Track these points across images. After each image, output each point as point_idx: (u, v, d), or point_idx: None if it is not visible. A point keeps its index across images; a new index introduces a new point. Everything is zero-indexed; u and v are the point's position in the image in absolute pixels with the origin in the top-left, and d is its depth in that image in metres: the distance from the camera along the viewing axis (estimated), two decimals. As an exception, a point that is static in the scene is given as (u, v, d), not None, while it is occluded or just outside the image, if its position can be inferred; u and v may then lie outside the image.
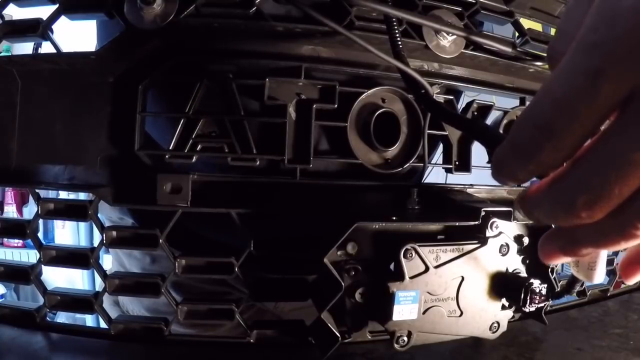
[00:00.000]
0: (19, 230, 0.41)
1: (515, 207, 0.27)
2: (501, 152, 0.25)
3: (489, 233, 0.39)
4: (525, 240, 0.41)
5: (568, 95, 0.21)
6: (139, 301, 0.65)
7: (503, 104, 0.51)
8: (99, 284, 0.48)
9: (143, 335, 0.42)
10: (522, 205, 0.26)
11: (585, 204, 0.22)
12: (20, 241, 2.22)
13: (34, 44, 1.40)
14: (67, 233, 2.28)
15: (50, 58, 0.41)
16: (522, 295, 0.39)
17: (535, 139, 0.22)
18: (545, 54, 0.50)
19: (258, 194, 0.43)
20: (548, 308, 0.48)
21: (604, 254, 0.29)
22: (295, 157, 0.42)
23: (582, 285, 0.52)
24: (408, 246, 0.36)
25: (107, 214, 0.62)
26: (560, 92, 0.21)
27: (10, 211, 2.31)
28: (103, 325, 0.42)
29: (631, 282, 0.28)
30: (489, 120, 0.50)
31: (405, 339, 0.37)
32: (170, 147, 0.40)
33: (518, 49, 0.49)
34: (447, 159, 0.48)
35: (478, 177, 0.48)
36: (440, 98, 0.46)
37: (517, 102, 0.54)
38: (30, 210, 2.25)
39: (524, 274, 0.41)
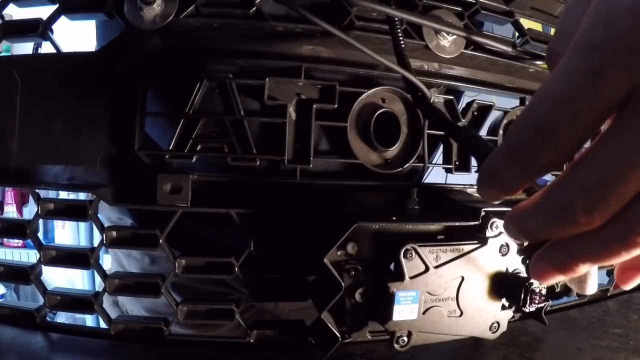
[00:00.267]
0: (19, 230, 0.41)
1: (505, 226, 0.26)
2: (495, 158, 0.24)
3: (489, 233, 0.39)
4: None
5: (567, 96, 0.21)
6: (138, 301, 0.65)
7: (503, 104, 0.51)
8: (99, 284, 0.48)
9: (143, 335, 0.42)
10: (514, 220, 0.25)
11: (584, 208, 0.21)
12: (20, 241, 2.22)
13: (34, 44, 1.40)
14: (67, 233, 2.28)
15: (50, 58, 0.41)
16: (522, 295, 0.39)
17: (534, 140, 0.22)
18: (545, 54, 0.50)
19: (258, 194, 0.43)
20: (548, 308, 0.48)
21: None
22: (295, 157, 0.42)
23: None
24: (408, 246, 0.36)
25: (107, 214, 0.62)
26: (559, 93, 0.21)
27: (10, 211, 2.31)
28: (103, 325, 0.42)
29: (628, 287, 0.27)
30: (489, 120, 0.50)
31: (405, 339, 0.37)
32: (170, 147, 0.40)
33: (518, 49, 0.49)
34: (447, 159, 0.48)
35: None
36: (441, 98, 0.46)
37: (517, 102, 0.54)
38: (30, 210, 2.25)
39: (524, 274, 0.41)
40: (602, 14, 0.20)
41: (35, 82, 0.40)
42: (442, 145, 0.50)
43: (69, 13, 0.40)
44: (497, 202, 0.27)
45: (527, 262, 0.41)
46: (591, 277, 0.28)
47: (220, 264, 0.41)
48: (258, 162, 0.41)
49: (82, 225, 2.14)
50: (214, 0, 0.40)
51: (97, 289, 0.42)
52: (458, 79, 0.48)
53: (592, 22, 0.20)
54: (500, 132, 0.49)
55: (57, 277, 1.83)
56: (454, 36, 0.45)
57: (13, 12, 0.49)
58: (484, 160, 0.25)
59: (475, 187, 0.47)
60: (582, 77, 0.20)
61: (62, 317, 1.45)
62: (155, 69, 0.40)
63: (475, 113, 0.48)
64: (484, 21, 0.54)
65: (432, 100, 0.41)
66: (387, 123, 0.45)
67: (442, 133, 0.46)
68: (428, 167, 0.48)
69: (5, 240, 2.29)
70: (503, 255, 0.40)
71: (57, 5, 0.40)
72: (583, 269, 0.24)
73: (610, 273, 0.58)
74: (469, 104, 0.48)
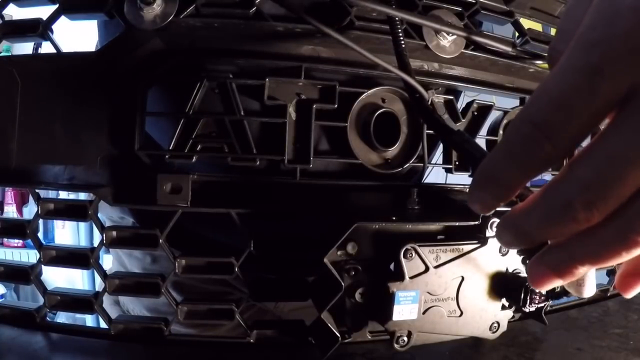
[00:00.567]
0: (19, 230, 0.41)
1: (499, 230, 0.25)
2: (493, 158, 0.24)
3: (489, 233, 0.39)
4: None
5: (566, 93, 0.21)
6: (139, 301, 0.66)
7: (503, 104, 0.51)
8: (99, 284, 0.48)
9: (143, 335, 0.42)
10: (509, 222, 0.24)
11: (583, 204, 0.21)
12: (20, 241, 2.22)
13: (34, 44, 1.40)
14: (67, 233, 2.28)
15: (50, 58, 0.41)
16: (522, 295, 0.39)
17: (533, 136, 0.22)
18: (545, 54, 0.50)
19: (258, 194, 0.43)
20: (548, 308, 0.48)
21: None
22: (295, 157, 0.42)
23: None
24: (408, 246, 0.36)
25: (108, 213, 0.62)
26: (558, 90, 0.21)
27: (10, 211, 2.31)
28: (103, 325, 0.42)
29: (629, 295, 0.26)
30: (489, 120, 0.50)
31: (405, 339, 0.37)
32: (170, 147, 0.40)
33: (518, 48, 0.49)
34: (447, 159, 0.48)
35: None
36: (440, 98, 0.46)
37: (517, 102, 0.54)
38: (30, 210, 2.25)
39: (524, 274, 0.41)
40: (603, 13, 0.20)
41: (35, 82, 0.40)
42: (442, 145, 0.50)
43: (69, 13, 0.40)
44: (488, 214, 0.26)
45: (527, 262, 0.41)
46: (589, 280, 0.28)
47: (220, 264, 0.41)
48: (258, 162, 0.41)
49: (82, 225, 2.15)
50: (214, 0, 0.40)
51: (97, 289, 0.42)
52: (458, 79, 0.48)
53: (592, 21, 0.21)
54: (500, 132, 0.49)
55: (57, 277, 1.84)
56: (454, 36, 0.45)
57: (13, 12, 0.49)
58: (478, 165, 0.24)
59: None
60: (581, 75, 0.20)
61: (62, 317, 1.45)
62: (155, 69, 0.40)
63: (475, 113, 0.48)
64: (483, 21, 0.54)
65: (430, 101, 0.41)
66: (387, 123, 0.45)
67: (442, 133, 0.46)
68: (428, 167, 0.48)
69: (5, 240, 2.29)
70: (503, 255, 0.40)
71: (57, 5, 0.40)
72: (582, 270, 0.23)
73: (610, 273, 0.58)
74: (469, 104, 0.48)
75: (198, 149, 0.40)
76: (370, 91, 0.44)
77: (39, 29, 0.40)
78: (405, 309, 0.36)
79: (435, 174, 0.57)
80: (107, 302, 0.43)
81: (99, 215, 0.41)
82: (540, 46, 0.50)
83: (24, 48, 1.60)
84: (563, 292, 0.41)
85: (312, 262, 0.38)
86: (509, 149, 0.23)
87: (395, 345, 0.37)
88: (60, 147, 0.40)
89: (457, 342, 0.41)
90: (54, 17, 0.40)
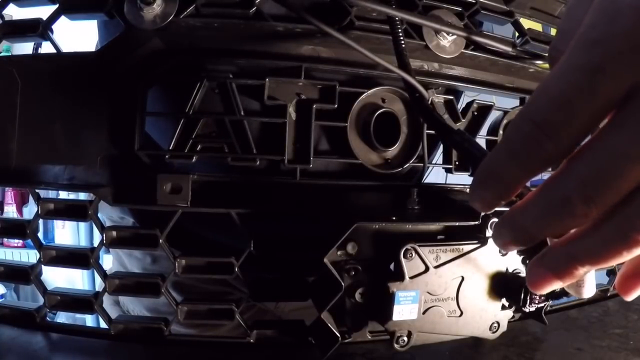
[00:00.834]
0: (19, 230, 0.41)
1: (497, 229, 0.25)
2: (492, 158, 0.24)
3: (489, 233, 0.39)
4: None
5: (566, 91, 0.21)
6: (139, 301, 0.66)
7: (503, 104, 0.51)
8: (99, 284, 0.48)
9: (143, 335, 0.42)
10: (508, 220, 0.24)
11: (582, 199, 0.21)
12: (20, 241, 2.22)
13: (34, 44, 1.41)
14: (67, 233, 2.28)
15: (50, 58, 0.41)
16: (522, 295, 0.39)
17: (534, 134, 0.22)
18: (545, 54, 0.50)
19: (258, 194, 0.43)
20: (548, 308, 0.48)
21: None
22: (295, 157, 0.42)
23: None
24: (408, 246, 0.36)
25: (108, 213, 0.62)
26: (559, 88, 0.21)
27: (10, 211, 2.31)
28: (103, 325, 0.42)
29: (630, 297, 0.26)
30: (489, 120, 0.50)
31: (405, 339, 0.37)
32: (170, 147, 0.40)
33: (518, 48, 0.49)
34: (447, 159, 0.48)
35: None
36: (440, 98, 0.46)
37: (517, 102, 0.54)
38: (30, 210, 2.25)
39: (524, 274, 0.41)
40: (603, 11, 0.20)
41: (35, 82, 0.40)
42: (442, 145, 0.50)
43: (69, 13, 0.40)
44: (488, 212, 0.26)
45: (527, 262, 0.41)
46: (588, 281, 0.27)
47: (221, 264, 0.41)
48: (258, 162, 0.41)
49: (82, 225, 2.15)
50: (214, 0, 0.40)
51: (97, 289, 0.42)
52: (458, 79, 0.48)
53: (593, 19, 0.21)
54: (500, 132, 0.49)
55: (57, 277, 1.84)
56: (454, 36, 0.45)
57: (13, 12, 0.49)
58: (478, 164, 0.24)
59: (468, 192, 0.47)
60: (582, 74, 0.20)
61: (62, 317, 1.45)
62: (155, 69, 0.40)
63: (475, 113, 0.48)
64: (483, 21, 0.54)
65: (430, 101, 0.41)
66: (387, 123, 0.45)
67: (442, 133, 0.46)
68: (428, 167, 0.48)
69: (5, 240, 2.29)
70: (503, 255, 0.40)
71: (57, 5, 0.40)
72: (582, 271, 0.23)
73: (610, 273, 0.58)
74: (469, 104, 0.48)
75: (198, 149, 0.40)
76: (370, 91, 0.44)
77: (39, 29, 0.40)
78: (405, 309, 0.36)
79: (435, 174, 0.57)
80: (107, 302, 0.43)
81: (99, 215, 0.41)
82: (540, 46, 0.50)
83: (24, 48, 1.60)
84: (563, 292, 0.41)
85: (312, 262, 0.38)
86: (510, 147, 0.23)
87: (395, 345, 0.37)
88: (60, 147, 0.40)
89: (457, 342, 0.41)
90: (54, 17, 0.40)
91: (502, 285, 0.40)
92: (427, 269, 0.37)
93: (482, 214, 0.39)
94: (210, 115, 0.41)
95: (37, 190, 0.41)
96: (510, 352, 0.42)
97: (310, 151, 0.41)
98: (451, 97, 0.47)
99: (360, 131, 0.44)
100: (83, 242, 2.27)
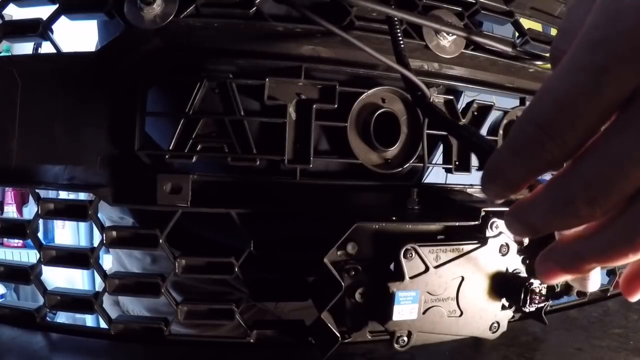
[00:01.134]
0: (19, 230, 0.41)
1: (507, 221, 0.25)
2: (498, 156, 0.24)
3: (489, 233, 0.39)
4: (526, 240, 0.41)
5: (570, 93, 0.21)
6: (139, 301, 0.66)
7: (503, 104, 0.51)
8: (99, 284, 0.48)
9: (143, 335, 0.42)
10: (517, 213, 0.24)
11: (585, 201, 0.21)
12: (20, 241, 2.22)
13: (34, 44, 1.41)
14: (67, 233, 2.28)
15: (50, 58, 0.41)
16: (522, 295, 0.39)
17: (537, 136, 0.22)
18: (545, 54, 0.50)
19: (258, 194, 0.43)
20: (548, 308, 0.48)
21: None
22: (295, 157, 0.42)
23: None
24: (408, 246, 0.36)
25: (108, 213, 0.62)
26: (562, 89, 0.21)
27: (10, 211, 2.31)
28: (103, 325, 0.42)
29: (634, 298, 0.26)
30: (489, 120, 0.50)
31: (405, 339, 0.37)
32: (170, 147, 0.40)
33: (518, 49, 0.49)
34: (447, 159, 0.48)
35: (478, 177, 0.48)
36: (440, 98, 0.46)
37: (517, 102, 0.54)
38: (30, 210, 2.25)
39: (524, 274, 0.41)
40: (606, 11, 0.20)
41: (35, 82, 0.40)
42: (442, 145, 0.50)
43: (69, 13, 0.40)
44: (500, 202, 0.26)
45: (527, 262, 0.41)
46: (594, 274, 0.28)
47: (221, 264, 0.41)
48: (258, 162, 0.41)
49: (82, 225, 2.14)
50: (214, 0, 0.40)
51: (97, 289, 0.42)
52: (458, 79, 0.48)
53: (596, 19, 0.20)
54: (500, 132, 0.49)
55: (57, 277, 1.84)
56: (454, 36, 0.45)
57: (13, 12, 0.50)
58: (488, 158, 0.25)
59: (479, 186, 0.47)
60: (585, 74, 0.20)
61: (62, 317, 1.45)
62: (155, 68, 0.40)
63: (475, 113, 0.48)
64: (483, 21, 0.54)
65: (431, 100, 0.41)
66: (387, 123, 0.45)
67: (442, 133, 0.46)
68: (428, 167, 0.48)
69: (5, 240, 2.29)
70: (503, 255, 0.40)
71: (57, 5, 0.40)
72: (589, 268, 0.24)
73: (610, 273, 0.58)
74: (469, 104, 0.48)
75: (198, 149, 0.40)
76: (370, 91, 0.44)
77: (39, 29, 0.40)
78: (405, 309, 0.36)
79: (435, 174, 0.57)
80: (107, 302, 0.43)
81: (99, 215, 0.41)
82: (540, 46, 0.50)
83: (24, 48, 1.60)
84: (563, 291, 0.41)
85: (312, 262, 0.38)
86: (514, 148, 0.23)
87: (395, 345, 0.37)
88: (60, 147, 0.40)
89: (457, 342, 0.41)
90: (54, 17, 0.40)
91: (502, 285, 0.40)
92: (427, 269, 0.37)
93: (482, 214, 0.39)
94: (210, 115, 0.41)
95: (37, 190, 0.41)
96: (510, 352, 0.42)
97: (310, 151, 0.41)
98: (451, 97, 0.47)
99: (360, 131, 0.44)
100: (83, 242, 2.27)
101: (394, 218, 0.38)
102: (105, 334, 0.41)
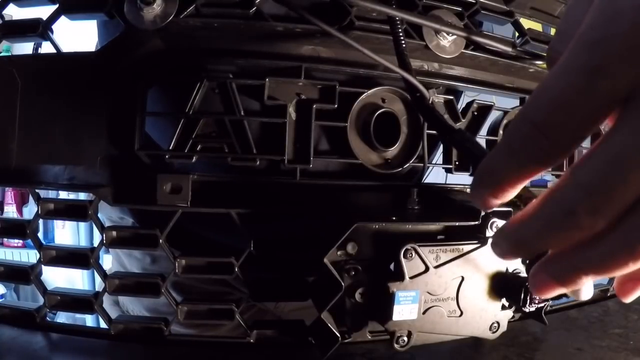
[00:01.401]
0: (19, 230, 0.41)
1: (495, 241, 0.25)
2: (493, 155, 0.24)
3: (489, 233, 0.39)
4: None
5: (565, 92, 0.21)
6: (139, 301, 0.66)
7: (503, 104, 0.51)
8: (99, 284, 0.48)
9: (143, 335, 0.42)
10: (509, 231, 0.24)
11: (587, 210, 0.20)
12: (20, 241, 2.22)
13: (34, 44, 1.40)
14: (67, 233, 2.28)
15: (50, 58, 0.41)
16: (522, 295, 0.39)
17: (532, 135, 0.21)
18: (545, 54, 0.50)
19: (258, 194, 0.43)
20: (548, 308, 0.48)
21: None
22: (295, 157, 0.42)
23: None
24: (408, 246, 0.36)
25: (108, 213, 0.62)
26: (558, 89, 0.21)
27: (10, 211, 2.31)
28: (103, 325, 0.42)
29: (628, 300, 0.25)
30: (489, 120, 0.50)
31: (405, 339, 0.37)
32: (170, 147, 0.40)
33: (518, 49, 0.49)
34: (447, 159, 0.48)
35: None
36: (440, 98, 0.46)
37: (517, 102, 0.54)
38: (30, 210, 2.25)
39: (524, 274, 0.41)
40: (603, 12, 0.20)
41: (35, 82, 0.40)
42: (442, 145, 0.50)
43: (69, 13, 0.40)
44: (488, 210, 0.26)
45: (527, 262, 0.41)
46: (587, 284, 0.27)
47: (221, 264, 0.41)
48: (258, 162, 0.41)
49: (82, 225, 2.15)
50: (214, 0, 0.40)
51: (97, 289, 0.42)
52: (458, 79, 0.48)
53: (593, 20, 0.20)
54: (500, 132, 0.49)
55: (57, 277, 1.84)
56: (454, 36, 0.45)
57: (13, 12, 0.50)
58: (479, 163, 0.24)
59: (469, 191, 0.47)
60: (581, 74, 0.20)
61: (62, 317, 1.45)
62: (155, 69, 0.40)
63: (475, 113, 0.48)
64: (483, 21, 0.54)
65: (431, 101, 0.41)
66: (387, 123, 0.45)
67: (442, 133, 0.46)
68: (428, 167, 0.48)
69: (5, 240, 2.29)
70: (503, 255, 0.40)
71: (57, 5, 0.40)
72: (586, 280, 0.23)
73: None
74: (469, 104, 0.48)
75: (198, 149, 0.40)
76: (370, 91, 0.44)
77: (39, 29, 0.40)
78: (405, 309, 0.36)
79: (435, 174, 0.57)
80: (107, 302, 0.43)
81: (99, 215, 0.41)
82: (540, 46, 0.49)
83: (24, 48, 1.60)
84: (563, 293, 0.41)
85: (312, 262, 0.38)
86: (509, 147, 0.23)
87: (395, 345, 0.37)
88: (60, 147, 0.40)
89: (457, 342, 0.41)
90: (54, 17, 0.40)
91: (502, 285, 0.40)
92: (427, 269, 0.37)
93: (482, 214, 0.39)
94: (210, 115, 0.41)
95: (37, 190, 0.41)
96: (510, 352, 0.42)
97: (310, 151, 0.41)
98: (451, 97, 0.47)
99: (360, 131, 0.44)
100: (83, 242, 2.27)
101: (394, 218, 0.38)
102: (105, 334, 0.41)
